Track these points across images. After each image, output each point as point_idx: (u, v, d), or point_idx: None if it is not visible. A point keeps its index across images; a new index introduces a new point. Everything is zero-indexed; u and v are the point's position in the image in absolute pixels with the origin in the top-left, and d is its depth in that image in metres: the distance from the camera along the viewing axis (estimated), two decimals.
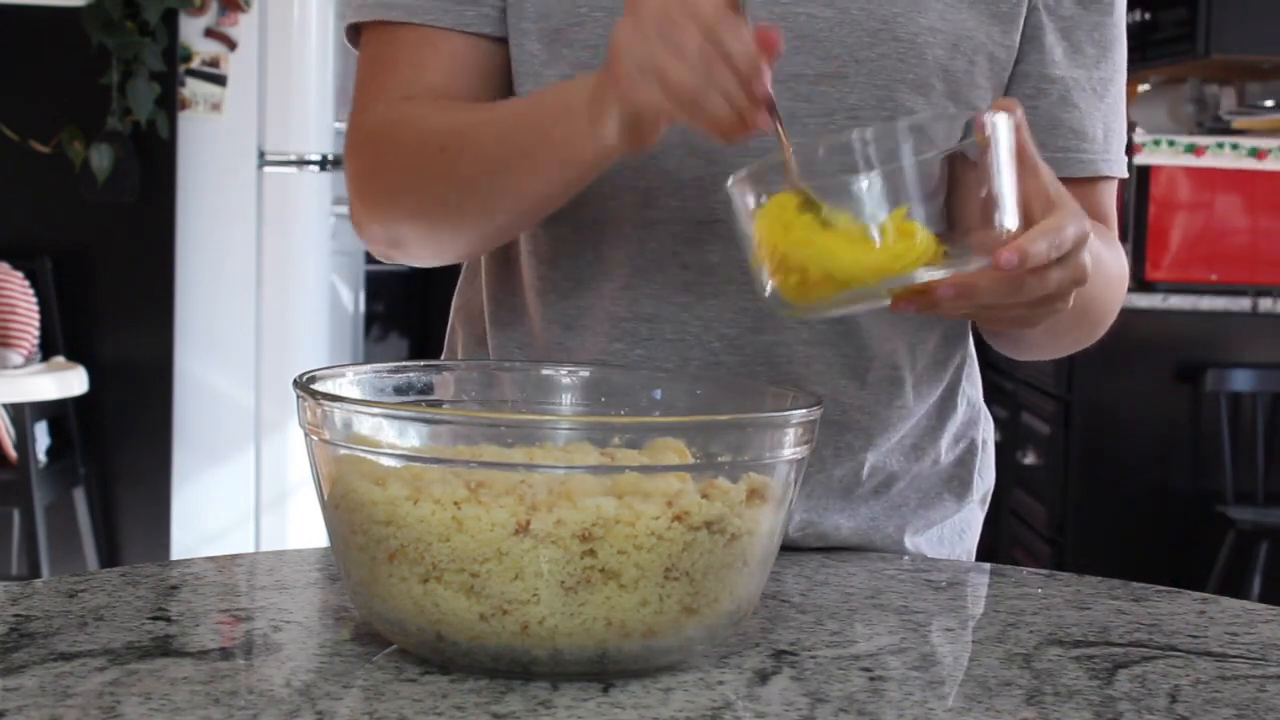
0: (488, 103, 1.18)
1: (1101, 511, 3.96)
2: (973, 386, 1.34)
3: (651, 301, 1.19)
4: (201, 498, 4.20)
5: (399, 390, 1.02)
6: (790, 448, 0.89)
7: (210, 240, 4.15)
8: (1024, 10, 1.21)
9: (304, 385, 0.92)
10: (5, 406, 3.72)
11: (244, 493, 4.22)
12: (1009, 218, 0.96)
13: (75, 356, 4.00)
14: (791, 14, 1.15)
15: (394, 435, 0.89)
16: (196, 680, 0.85)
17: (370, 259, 4.81)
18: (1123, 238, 3.83)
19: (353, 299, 4.80)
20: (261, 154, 4.15)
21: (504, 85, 1.20)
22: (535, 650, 0.85)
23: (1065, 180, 1.13)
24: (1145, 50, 4.28)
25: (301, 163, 4.18)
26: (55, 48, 4.03)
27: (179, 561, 1.13)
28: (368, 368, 1.03)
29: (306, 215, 4.21)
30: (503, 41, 1.20)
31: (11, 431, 3.73)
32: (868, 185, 0.94)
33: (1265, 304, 3.92)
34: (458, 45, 1.19)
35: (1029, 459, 4.26)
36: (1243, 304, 3.92)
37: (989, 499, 1.37)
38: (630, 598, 0.85)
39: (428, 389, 1.04)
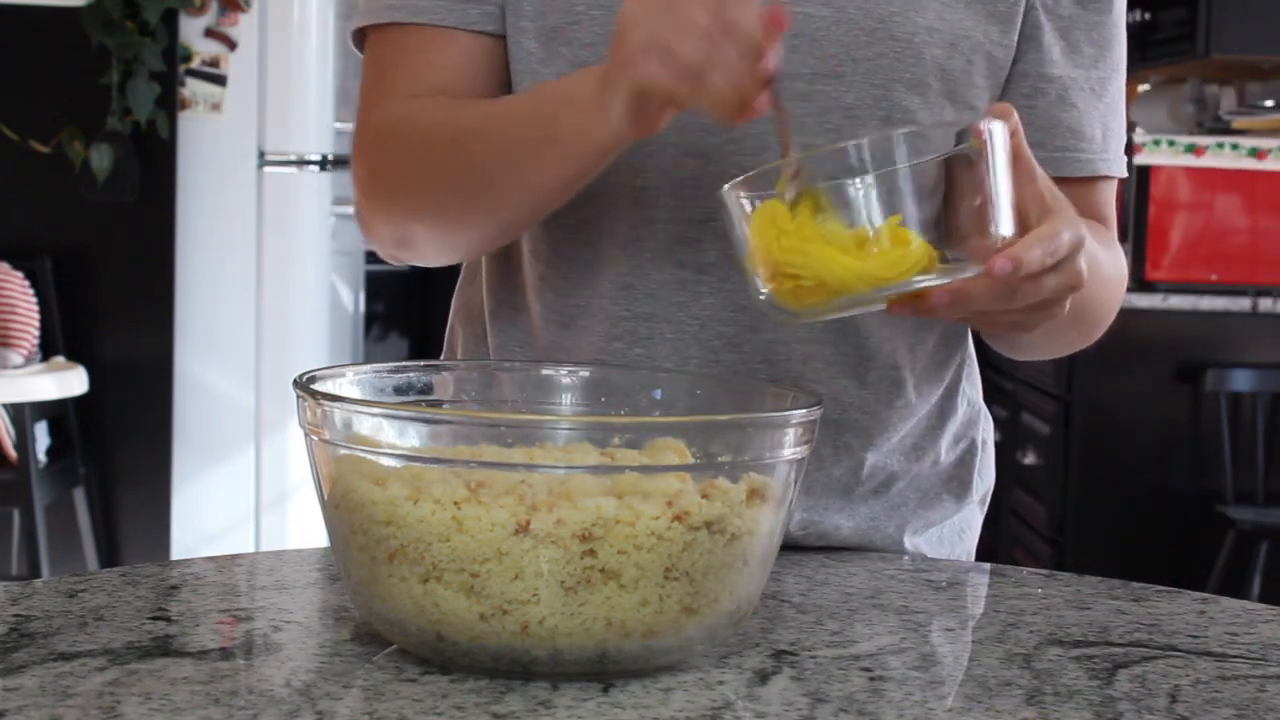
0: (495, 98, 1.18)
1: (1101, 511, 3.96)
2: (973, 386, 1.34)
3: (650, 300, 1.19)
4: (201, 498, 4.20)
5: (399, 390, 1.02)
6: (790, 448, 0.89)
7: (210, 240, 4.15)
8: (1022, 9, 1.21)
9: (304, 385, 0.92)
10: (5, 406, 3.72)
11: (244, 493, 4.22)
12: (1004, 224, 0.96)
13: (75, 356, 4.00)
14: (789, 13, 1.15)
15: (394, 435, 0.88)
16: (196, 680, 0.85)
17: (370, 259, 4.81)
18: (1123, 238, 3.83)
19: (353, 299, 4.80)
20: (261, 154, 4.15)
21: (509, 83, 1.20)
22: (535, 650, 0.85)
23: (1063, 180, 1.13)
24: (1145, 50, 4.28)
25: (301, 163, 4.18)
26: (55, 48, 4.03)
27: (179, 561, 1.13)
28: (368, 368, 1.03)
29: (306, 215, 4.20)
30: (506, 39, 1.20)
31: (11, 431, 3.73)
32: (863, 192, 0.94)
33: (1265, 304, 3.92)
34: (463, 44, 1.19)
35: (1029, 459, 4.26)
36: (1243, 304, 3.92)
37: (989, 499, 1.37)
38: (630, 598, 0.85)
39: (428, 389, 1.04)
